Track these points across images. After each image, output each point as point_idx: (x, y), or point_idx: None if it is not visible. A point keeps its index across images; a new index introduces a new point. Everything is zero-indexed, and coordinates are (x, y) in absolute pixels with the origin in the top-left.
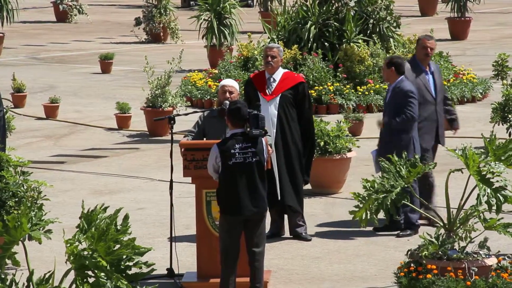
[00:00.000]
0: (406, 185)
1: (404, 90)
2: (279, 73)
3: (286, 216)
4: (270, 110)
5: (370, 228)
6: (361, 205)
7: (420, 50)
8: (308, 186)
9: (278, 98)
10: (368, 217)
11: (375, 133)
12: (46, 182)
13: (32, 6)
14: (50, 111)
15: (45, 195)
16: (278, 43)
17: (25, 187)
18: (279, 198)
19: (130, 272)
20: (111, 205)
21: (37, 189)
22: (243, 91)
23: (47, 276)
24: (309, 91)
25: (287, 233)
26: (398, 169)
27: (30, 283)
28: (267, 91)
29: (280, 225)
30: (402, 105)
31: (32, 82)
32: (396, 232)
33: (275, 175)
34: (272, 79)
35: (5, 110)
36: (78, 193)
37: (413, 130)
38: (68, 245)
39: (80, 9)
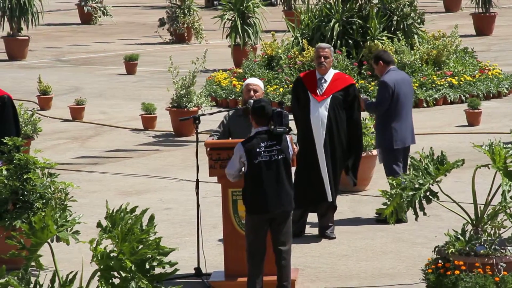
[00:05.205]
0: (434, 183)
1: (381, 80)
2: (330, 73)
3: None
4: (321, 112)
5: (397, 225)
6: (388, 203)
7: None
8: None
9: (329, 100)
10: (397, 215)
11: None
12: (73, 183)
13: (56, 8)
14: (76, 113)
15: (72, 197)
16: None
17: (52, 189)
18: (329, 199)
19: (154, 273)
20: (138, 205)
21: (64, 190)
22: (291, 90)
23: (70, 277)
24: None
25: (309, 231)
26: (426, 166)
27: (55, 284)
28: (318, 91)
29: (303, 225)
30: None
31: (57, 84)
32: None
33: (322, 177)
34: (323, 80)
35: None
36: (105, 194)
37: (392, 121)
38: (94, 245)
39: (105, 10)
